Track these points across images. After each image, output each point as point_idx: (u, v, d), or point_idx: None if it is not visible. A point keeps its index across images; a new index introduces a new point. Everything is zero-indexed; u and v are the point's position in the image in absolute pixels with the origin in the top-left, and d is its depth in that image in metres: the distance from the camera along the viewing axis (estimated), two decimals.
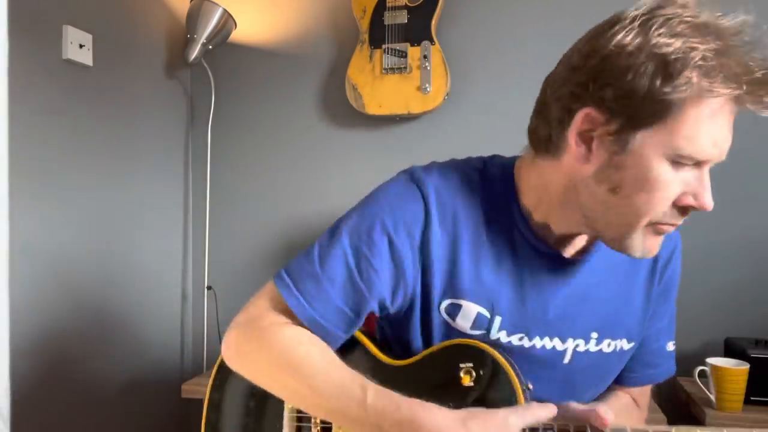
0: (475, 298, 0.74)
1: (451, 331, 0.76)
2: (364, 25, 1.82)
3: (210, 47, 1.90)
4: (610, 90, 0.60)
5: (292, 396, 0.74)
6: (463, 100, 1.84)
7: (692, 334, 1.66)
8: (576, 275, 0.76)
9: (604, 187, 0.65)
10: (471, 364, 0.71)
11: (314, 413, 0.76)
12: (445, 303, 0.75)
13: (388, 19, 1.79)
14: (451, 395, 0.70)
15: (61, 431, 1.53)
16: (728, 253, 1.65)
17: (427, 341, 0.77)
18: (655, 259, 0.80)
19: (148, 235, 1.87)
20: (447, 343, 0.74)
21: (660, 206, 0.63)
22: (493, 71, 1.81)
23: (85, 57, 1.58)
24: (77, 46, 1.55)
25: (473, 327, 0.75)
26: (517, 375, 0.70)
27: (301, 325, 0.74)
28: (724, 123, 0.61)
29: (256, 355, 0.74)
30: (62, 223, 1.54)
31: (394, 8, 1.79)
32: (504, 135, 1.84)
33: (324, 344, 0.74)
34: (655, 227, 0.65)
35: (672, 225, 0.65)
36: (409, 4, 1.79)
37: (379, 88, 1.79)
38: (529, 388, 0.71)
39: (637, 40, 0.59)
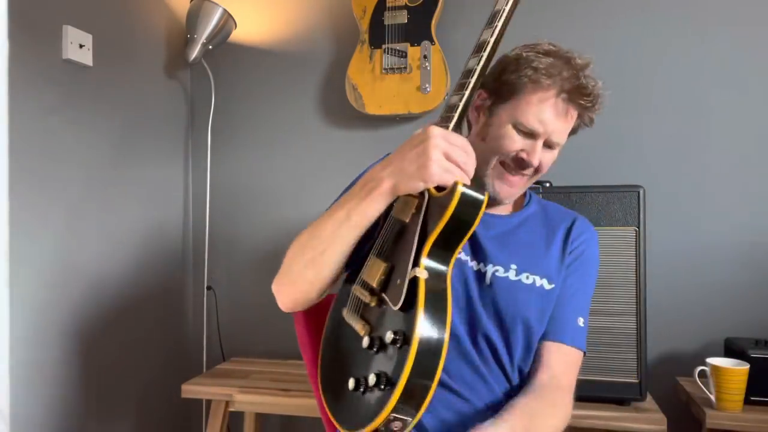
0: None
1: None
2: (364, 25, 1.82)
3: (210, 47, 1.90)
4: (490, 78, 0.98)
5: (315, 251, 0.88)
6: None
7: (692, 334, 1.66)
8: (500, 223, 1.04)
9: (480, 138, 1.00)
10: None
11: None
12: None
13: (388, 19, 1.79)
14: None
15: (60, 431, 1.53)
16: (728, 253, 1.65)
17: None
18: (569, 229, 1.06)
19: (148, 234, 1.87)
20: None
21: (504, 150, 0.96)
22: None
23: (85, 57, 1.58)
24: (77, 46, 1.55)
25: None
26: None
27: None
28: (548, 109, 0.94)
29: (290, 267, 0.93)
30: (62, 222, 1.54)
31: (394, 8, 1.79)
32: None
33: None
34: (501, 172, 0.98)
35: (514, 172, 0.98)
36: (409, 4, 1.79)
37: (379, 88, 1.79)
38: None
39: (510, 56, 0.98)
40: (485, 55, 0.85)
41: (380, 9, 1.80)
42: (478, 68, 0.84)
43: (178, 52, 2.01)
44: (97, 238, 1.66)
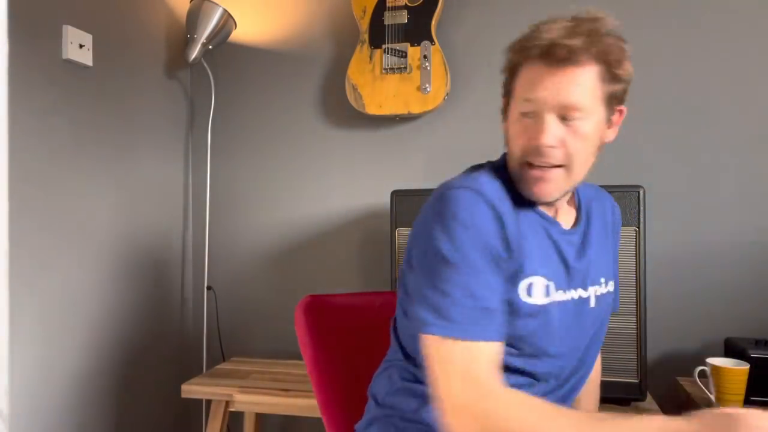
0: (542, 272, 0.86)
1: (519, 306, 0.84)
2: (364, 25, 1.82)
3: (210, 47, 1.90)
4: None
5: None
6: (463, 100, 1.84)
7: (692, 334, 1.66)
8: (575, 238, 0.93)
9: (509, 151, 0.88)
10: None
11: None
12: (524, 283, 0.84)
13: (388, 19, 1.79)
14: None
15: (60, 431, 1.53)
16: (728, 253, 1.65)
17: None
18: (613, 218, 1.02)
19: (147, 234, 1.87)
20: None
21: (521, 144, 0.85)
22: (493, 71, 1.81)
23: (85, 57, 1.58)
24: (77, 46, 1.55)
25: (541, 296, 0.86)
26: None
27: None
28: (537, 72, 0.82)
29: None
30: (61, 222, 1.54)
31: (394, 8, 1.79)
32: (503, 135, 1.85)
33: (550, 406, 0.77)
34: (528, 173, 0.85)
35: (537, 167, 0.84)
36: (409, 4, 1.79)
37: (379, 88, 1.79)
38: None
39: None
40: None
41: (380, 9, 1.80)
42: None
43: (178, 52, 2.01)
44: (96, 238, 1.66)
